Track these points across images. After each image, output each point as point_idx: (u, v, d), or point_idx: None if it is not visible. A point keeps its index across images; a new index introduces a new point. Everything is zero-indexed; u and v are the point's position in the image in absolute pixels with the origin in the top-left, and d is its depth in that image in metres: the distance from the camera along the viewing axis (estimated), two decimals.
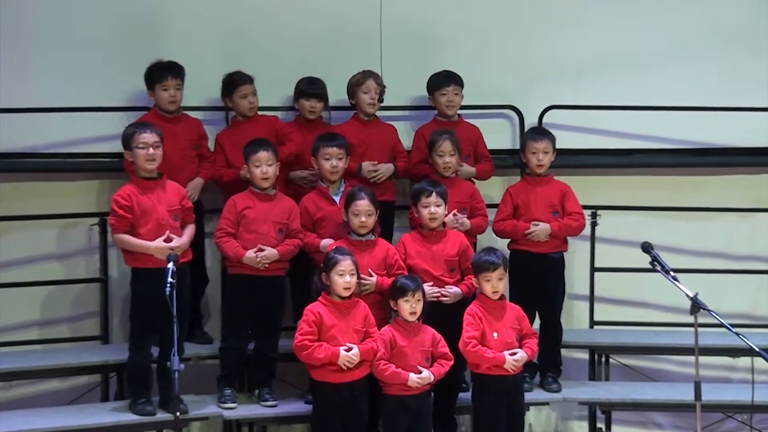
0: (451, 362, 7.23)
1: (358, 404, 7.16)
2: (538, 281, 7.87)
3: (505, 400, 7.26)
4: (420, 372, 7.12)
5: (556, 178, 8.04)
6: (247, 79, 8.07)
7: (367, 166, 8.03)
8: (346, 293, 7.14)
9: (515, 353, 7.21)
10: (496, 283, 7.27)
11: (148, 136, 7.29)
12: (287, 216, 7.57)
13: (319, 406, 7.18)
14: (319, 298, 7.19)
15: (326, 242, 7.51)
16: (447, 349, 7.23)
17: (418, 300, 7.20)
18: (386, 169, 8.11)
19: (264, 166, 7.53)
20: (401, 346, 7.18)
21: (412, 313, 7.19)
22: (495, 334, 7.24)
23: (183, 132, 7.93)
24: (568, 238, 8.02)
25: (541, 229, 7.83)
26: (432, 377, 7.15)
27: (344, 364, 7.02)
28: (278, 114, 8.33)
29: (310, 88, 8.16)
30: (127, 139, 7.34)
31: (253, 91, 8.07)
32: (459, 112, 8.35)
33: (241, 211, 7.52)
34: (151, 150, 7.28)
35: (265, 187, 7.57)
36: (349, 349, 7.03)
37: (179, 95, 7.94)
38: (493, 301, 7.30)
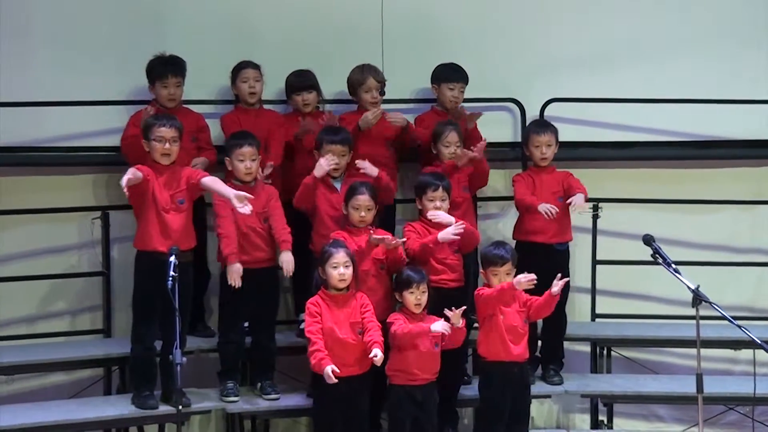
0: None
1: (359, 398, 7.17)
2: (543, 272, 7.83)
3: (509, 392, 7.28)
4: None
5: (557, 170, 8.04)
6: (251, 65, 8.05)
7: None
8: (342, 285, 7.15)
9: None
10: (504, 278, 7.27)
11: (166, 131, 7.27)
12: (270, 203, 7.53)
13: (320, 399, 7.19)
14: (318, 292, 7.20)
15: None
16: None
17: (423, 291, 7.20)
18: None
19: (248, 161, 7.51)
20: None
21: (417, 305, 7.20)
22: (502, 317, 7.26)
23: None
24: (572, 231, 8.03)
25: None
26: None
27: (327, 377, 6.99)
28: (279, 108, 8.33)
29: (299, 81, 8.14)
30: (146, 129, 7.33)
31: (254, 76, 8.03)
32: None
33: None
34: (167, 144, 7.27)
35: (247, 181, 7.55)
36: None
37: (179, 92, 7.92)
38: None
